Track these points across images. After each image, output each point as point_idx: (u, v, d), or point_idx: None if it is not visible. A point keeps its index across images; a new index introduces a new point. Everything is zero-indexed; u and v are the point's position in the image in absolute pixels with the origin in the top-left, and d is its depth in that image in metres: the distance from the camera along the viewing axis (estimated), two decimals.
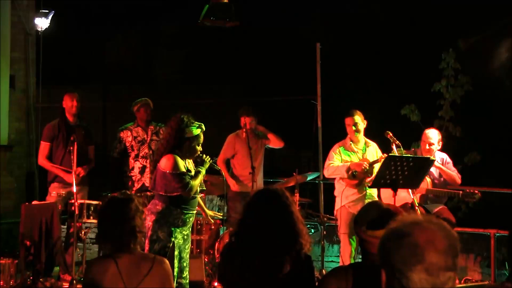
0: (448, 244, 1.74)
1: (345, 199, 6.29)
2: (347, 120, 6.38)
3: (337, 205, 6.40)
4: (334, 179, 6.54)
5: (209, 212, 5.76)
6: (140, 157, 6.88)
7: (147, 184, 6.63)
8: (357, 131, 6.33)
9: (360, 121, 6.35)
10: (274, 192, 3.15)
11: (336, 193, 6.46)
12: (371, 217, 2.83)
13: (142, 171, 6.85)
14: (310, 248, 3.10)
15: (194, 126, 4.94)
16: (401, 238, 1.76)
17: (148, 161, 6.82)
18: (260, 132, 7.15)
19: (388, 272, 1.78)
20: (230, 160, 7.18)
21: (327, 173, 6.45)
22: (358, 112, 6.37)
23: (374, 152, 6.43)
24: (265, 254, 2.98)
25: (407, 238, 1.75)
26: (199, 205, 5.48)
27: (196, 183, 4.92)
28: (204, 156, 5.11)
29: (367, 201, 6.26)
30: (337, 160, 6.34)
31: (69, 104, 6.78)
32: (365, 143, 6.44)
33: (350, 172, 6.22)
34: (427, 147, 6.29)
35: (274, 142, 7.15)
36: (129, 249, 3.10)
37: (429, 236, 1.74)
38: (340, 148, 6.39)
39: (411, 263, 1.73)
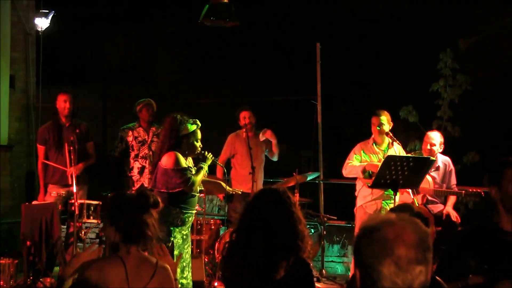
0: (418, 238, 1.77)
1: (362, 199, 6.25)
2: (373, 119, 6.29)
3: (356, 205, 6.36)
4: (349, 178, 6.51)
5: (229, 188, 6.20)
6: (139, 157, 6.88)
7: (145, 185, 6.64)
8: (381, 132, 6.23)
9: (386, 122, 6.25)
10: (276, 191, 3.14)
11: (356, 193, 6.42)
12: None
13: (141, 171, 6.85)
14: (311, 251, 3.06)
15: (189, 122, 4.94)
16: (371, 234, 1.80)
17: (147, 161, 6.82)
18: (265, 139, 7.06)
19: (362, 270, 1.81)
20: (231, 160, 7.18)
21: (344, 172, 6.37)
22: (385, 112, 6.28)
23: (397, 153, 6.27)
24: (262, 253, 2.97)
25: (377, 233, 1.78)
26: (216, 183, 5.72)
27: (198, 178, 4.91)
28: (206, 152, 5.10)
29: (384, 202, 6.23)
30: (356, 160, 6.27)
31: (62, 105, 6.76)
32: (389, 144, 6.28)
33: (366, 173, 6.17)
34: (428, 147, 6.27)
35: (273, 152, 7.11)
36: (137, 245, 3.02)
37: (398, 231, 1.77)
38: (361, 149, 6.31)
39: (380, 256, 1.75)
